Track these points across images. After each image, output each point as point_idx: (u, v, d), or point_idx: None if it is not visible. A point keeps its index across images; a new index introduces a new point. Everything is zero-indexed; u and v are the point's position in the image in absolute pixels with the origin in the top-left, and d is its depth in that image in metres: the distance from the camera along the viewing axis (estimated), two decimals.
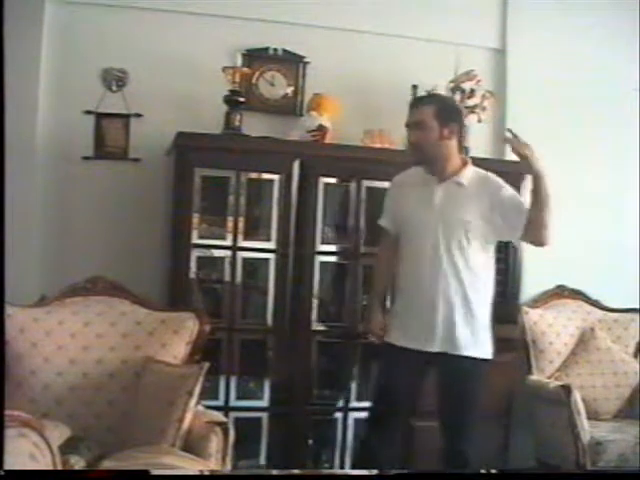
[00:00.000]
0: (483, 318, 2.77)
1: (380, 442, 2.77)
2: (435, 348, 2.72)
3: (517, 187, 3.60)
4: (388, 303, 3.08)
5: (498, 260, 3.59)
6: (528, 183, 3.60)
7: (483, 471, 2.55)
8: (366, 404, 3.38)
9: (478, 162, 3.65)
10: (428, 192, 2.78)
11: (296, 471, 2.57)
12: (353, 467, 2.79)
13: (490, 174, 2.83)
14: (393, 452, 2.79)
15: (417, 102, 2.88)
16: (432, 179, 2.79)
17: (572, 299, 4.00)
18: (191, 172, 3.25)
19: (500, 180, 2.81)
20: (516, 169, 3.65)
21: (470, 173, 2.80)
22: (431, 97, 2.90)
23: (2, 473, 1.64)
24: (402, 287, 2.84)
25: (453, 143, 2.78)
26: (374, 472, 2.54)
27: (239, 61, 3.55)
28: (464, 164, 2.82)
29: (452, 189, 2.77)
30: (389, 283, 2.99)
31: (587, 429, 3.35)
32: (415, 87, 3.73)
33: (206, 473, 2.31)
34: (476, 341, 2.73)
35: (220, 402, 3.27)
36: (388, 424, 2.78)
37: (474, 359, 2.72)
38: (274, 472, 2.47)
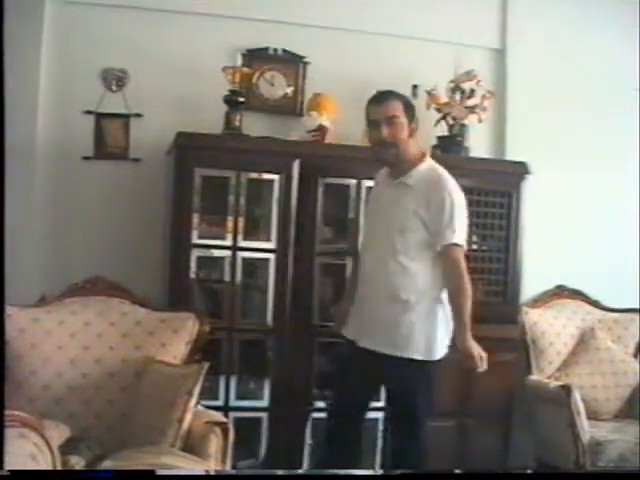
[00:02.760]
0: (424, 320, 2.66)
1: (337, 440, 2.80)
2: (369, 345, 2.69)
3: (517, 187, 3.63)
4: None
5: (498, 260, 3.64)
6: (528, 183, 3.64)
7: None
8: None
9: (478, 162, 3.70)
10: (381, 191, 2.79)
11: (296, 471, 2.56)
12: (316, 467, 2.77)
13: (444, 174, 2.69)
14: (347, 452, 2.77)
15: (385, 97, 2.71)
16: (389, 178, 2.76)
17: (572, 299, 4.00)
18: (191, 172, 3.25)
19: (448, 183, 2.66)
20: (516, 169, 3.67)
21: (421, 172, 2.68)
22: (394, 93, 2.75)
23: (7, 473, 1.64)
24: (357, 285, 2.85)
25: (414, 142, 2.73)
26: (378, 472, 2.54)
27: (239, 61, 3.55)
28: (421, 159, 2.71)
29: (398, 189, 2.70)
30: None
31: (587, 429, 3.35)
32: (415, 87, 3.73)
33: (207, 473, 2.31)
34: (409, 343, 2.64)
35: (220, 402, 3.27)
36: (344, 420, 2.80)
37: (404, 359, 2.63)
38: (274, 472, 2.46)
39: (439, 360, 2.69)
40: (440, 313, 2.68)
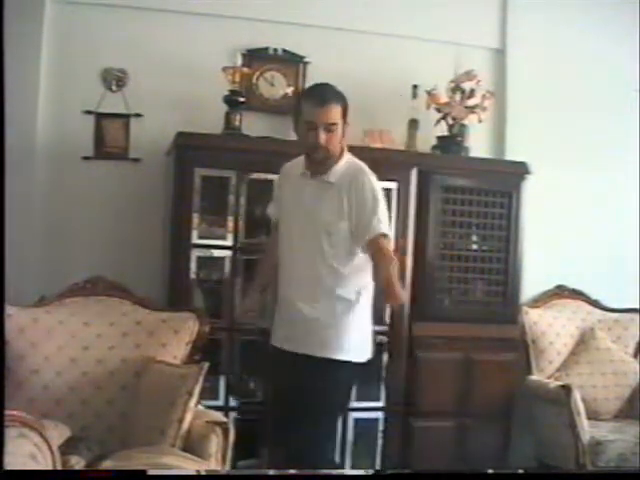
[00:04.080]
0: (356, 322, 2.60)
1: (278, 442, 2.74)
2: (299, 349, 2.59)
3: (517, 187, 3.63)
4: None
5: (498, 260, 3.63)
6: (528, 183, 3.64)
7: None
8: (366, 404, 3.41)
9: (478, 162, 3.70)
10: (301, 190, 2.64)
11: (296, 471, 2.56)
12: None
13: (363, 167, 2.62)
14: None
15: (327, 99, 2.55)
16: (306, 174, 2.64)
17: (572, 299, 4.00)
18: (191, 172, 3.25)
19: (368, 175, 2.59)
20: (516, 169, 3.67)
21: (342, 167, 2.60)
22: (336, 94, 2.58)
23: (4, 473, 1.64)
24: (278, 283, 2.72)
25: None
26: (371, 472, 2.54)
27: (239, 61, 3.54)
28: (339, 157, 2.62)
29: (321, 187, 2.60)
30: (271, 273, 2.81)
31: (587, 429, 3.35)
32: (415, 87, 3.73)
33: (198, 473, 2.31)
34: (341, 345, 2.57)
35: (220, 402, 3.27)
36: (280, 424, 2.71)
37: (335, 361, 2.56)
38: (274, 472, 2.46)
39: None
40: (368, 311, 2.65)
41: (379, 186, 2.62)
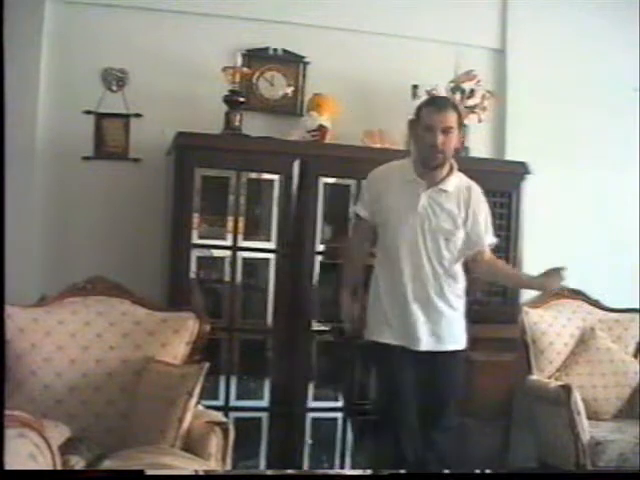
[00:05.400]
0: (460, 321, 2.90)
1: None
2: (422, 347, 2.80)
3: (517, 187, 3.63)
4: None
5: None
6: (528, 183, 3.64)
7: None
8: (366, 404, 3.40)
9: (478, 162, 3.70)
10: (414, 195, 2.80)
11: (296, 471, 2.57)
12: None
13: (473, 184, 2.88)
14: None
15: (444, 105, 2.83)
16: (421, 183, 2.81)
17: (572, 299, 4.00)
18: (191, 172, 3.25)
19: (480, 193, 2.89)
20: (516, 169, 3.67)
21: (456, 180, 2.83)
22: (452, 102, 2.94)
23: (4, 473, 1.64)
24: (381, 285, 2.86)
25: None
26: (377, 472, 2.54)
27: (239, 61, 3.54)
28: (451, 170, 2.84)
29: (437, 196, 2.80)
30: (361, 274, 3.01)
31: (587, 429, 3.35)
32: (415, 87, 3.73)
33: (197, 473, 2.31)
34: (455, 339, 2.87)
35: (220, 402, 3.27)
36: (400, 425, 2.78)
37: (455, 352, 2.86)
38: (274, 472, 2.47)
39: None
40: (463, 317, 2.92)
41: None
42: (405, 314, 2.80)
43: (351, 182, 3.43)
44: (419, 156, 2.82)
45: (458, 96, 3.72)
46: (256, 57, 3.71)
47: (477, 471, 2.79)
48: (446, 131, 2.73)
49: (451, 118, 2.75)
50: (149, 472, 2.03)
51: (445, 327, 2.83)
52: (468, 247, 2.85)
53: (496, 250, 3.59)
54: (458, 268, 2.86)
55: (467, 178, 2.87)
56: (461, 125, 2.86)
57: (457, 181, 2.83)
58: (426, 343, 2.80)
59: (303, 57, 3.78)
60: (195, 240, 3.28)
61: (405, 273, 2.79)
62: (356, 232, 3.06)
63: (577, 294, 4.02)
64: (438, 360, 2.81)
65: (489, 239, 2.91)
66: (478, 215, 2.84)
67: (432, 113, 2.76)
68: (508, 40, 4.02)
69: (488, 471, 2.75)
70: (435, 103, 2.86)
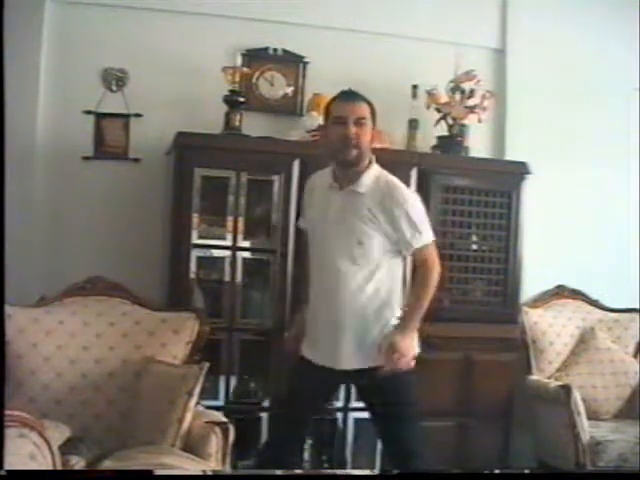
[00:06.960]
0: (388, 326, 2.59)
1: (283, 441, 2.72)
2: (343, 366, 2.57)
3: (517, 187, 3.63)
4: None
5: (498, 260, 3.64)
6: (528, 183, 3.64)
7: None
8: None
9: (478, 162, 3.71)
10: (328, 202, 2.61)
11: (296, 471, 2.56)
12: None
13: (395, 180, 2.61)
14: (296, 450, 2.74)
15: (354, 96, 2.62)
16: (335, 187, 2.61)
17: (572, 299, 4.00)
18: (191, 172, 3.25)
19: (402, 188, 2.60)
20: (516, 169, 3.67)
21: (371, 178, 2.58)
22: (362, 95, 2.63)
23: (4, 473, 1.64)
24: (310, 297, 2.68)
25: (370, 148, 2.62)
26: (372, 472, 2.53)
27: (239, 61, 3.55)
28: (369, 165, 2.60)
29: (351, 199, 2.56)
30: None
31: (587, 429, 3.35)
32: (415, 87, 3.74)
33: (205, 473, 2.31)
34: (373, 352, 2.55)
35: (220, 402, 3.27)
36: (290, 425, 2.71)
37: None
38: (274, 472, 2.46)
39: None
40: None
41: (414, 195, 2.64)
42: (325, 328, 2.60)
43: None
44: (333, 154, 2.60)
45: (458, 96, 3.73)
46: (256, 57, 3.71)
47: (477, 471, 2.77)
48: (358, 123, 2.53)
49: (362, 108, 2.57)
50: (158, 472, 2.03)
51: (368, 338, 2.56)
52: (398, 249, 2.58)
53: (496, 250, 3.63)
54: (381, 271, 2.56)
55: (388, 175, 2.61)
56: (374, 118, 2.60)
57: (374, 180, 2.58)
58: (344, 362, 2.57)
59: (303, 57, 3.78)
60: (195, 240, 3.28)
61: (325, 282, 2.59)
62: (305, 245, 2.83)
63: (577, 294, 4.02)
64: (364, 377, 2.58)
65: (418, 239, 2.55)
66: (399, 214, 2.52)
67: (342, 104, 2.59)
68: (508, 40, 4.02)
69: (497, 471, 2.71)
70: (344, 95, 2.65)
